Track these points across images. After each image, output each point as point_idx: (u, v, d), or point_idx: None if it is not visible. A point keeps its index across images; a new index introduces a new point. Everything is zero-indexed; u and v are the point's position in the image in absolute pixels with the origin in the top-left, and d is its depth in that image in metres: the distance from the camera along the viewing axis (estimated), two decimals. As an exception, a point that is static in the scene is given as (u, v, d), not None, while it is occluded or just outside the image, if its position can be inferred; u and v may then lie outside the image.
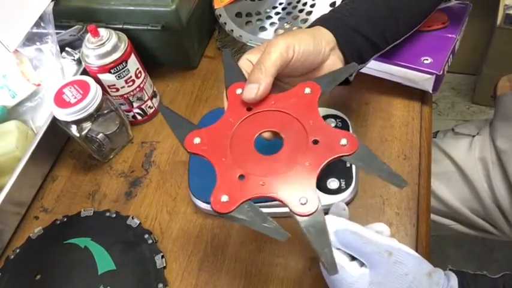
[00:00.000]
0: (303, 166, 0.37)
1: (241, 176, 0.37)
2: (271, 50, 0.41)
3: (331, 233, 0.37)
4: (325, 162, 0.37)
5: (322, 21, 0.48)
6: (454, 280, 0.38)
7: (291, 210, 0.35)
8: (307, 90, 0.40)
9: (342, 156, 0.37)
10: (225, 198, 0.36)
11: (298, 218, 0.35)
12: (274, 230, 0.35)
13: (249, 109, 0.40)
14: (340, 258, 0.38)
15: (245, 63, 0.43)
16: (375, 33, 0.49)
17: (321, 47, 0.44)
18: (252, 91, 0.40)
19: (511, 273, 0.41)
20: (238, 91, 0.41)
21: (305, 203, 0.35)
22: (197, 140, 0.39)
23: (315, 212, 0.35)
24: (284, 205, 0.35)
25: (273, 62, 0.40)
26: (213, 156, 0.38)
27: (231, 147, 0.38)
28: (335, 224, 0.38)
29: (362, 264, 0.38)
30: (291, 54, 0.42)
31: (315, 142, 0.38)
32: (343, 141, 0.37)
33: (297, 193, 0.35)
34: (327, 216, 0.38)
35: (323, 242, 0.34)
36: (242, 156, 0.38)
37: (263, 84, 0.40)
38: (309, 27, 0.48)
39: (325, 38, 0.45)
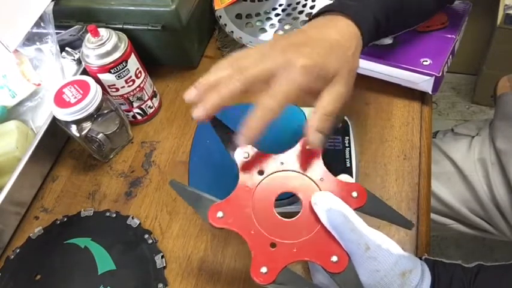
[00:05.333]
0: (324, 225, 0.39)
1: (273, 244, 0.39)
2: (332, 99, 0.40)
3: (325, 209, 0.38)
4: None
5: (344, 8, 0.44)
6: (427, 279, 0.38)
7: (327, 271, 0.38)
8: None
9: (356, 208, 0.39)
10: (264, 269, 0.38)
11: (334, 276, 0.37)
12: None
13: (260, 173, 0.41)
14: None
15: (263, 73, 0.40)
16: (384, 18, 0.47)
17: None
18: (319, 139, 0.40)
19: (484, 263, 0.41)
20: (245, 155, 0.42)
21: (337, 261, 0.37)
22: (220, 214, 0.40)
23: (347, 267, 0.37)
24: (321, 266, 0.38)
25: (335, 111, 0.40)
26: (242, 229, 0.39)
27: (254, 216, 0.40)
28: (331, 203, 0.38)
29: None
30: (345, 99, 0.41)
31: None
32: (354, 194, 0.40)
33: (327, 252, 0.38)
34: (325, 192, 0.39)
35: None
36: (267, 223, 0.40)
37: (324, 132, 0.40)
38: (323, 13, 0.45)
39: (355, 39, 0.42)
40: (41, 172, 0.64)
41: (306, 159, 0.41)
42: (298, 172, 0.41)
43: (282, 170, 0.41)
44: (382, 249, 0.37)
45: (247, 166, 0.42)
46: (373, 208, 0.40)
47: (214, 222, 0.40)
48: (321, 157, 0.41)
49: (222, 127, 0.44)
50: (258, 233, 0.39)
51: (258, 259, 0.38)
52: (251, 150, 0.42)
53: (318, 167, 0.41)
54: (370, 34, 0.45)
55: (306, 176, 0.41)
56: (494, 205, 0.74)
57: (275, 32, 0.67)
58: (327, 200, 0.38)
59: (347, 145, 0.57)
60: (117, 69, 0.59)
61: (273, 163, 0.42)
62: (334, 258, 0.37)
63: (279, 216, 0.40)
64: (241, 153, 0.42)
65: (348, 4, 0.45)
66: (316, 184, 0.40)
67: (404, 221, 0.41)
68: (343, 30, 0.42)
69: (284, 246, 0.39)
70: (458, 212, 0.78)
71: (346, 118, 0.59)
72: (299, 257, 0.38)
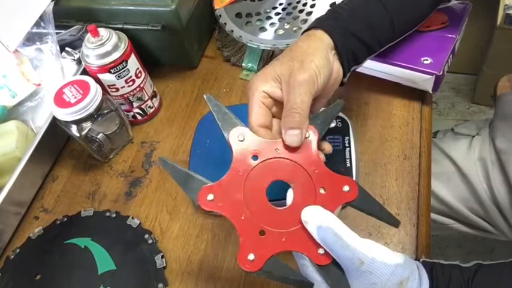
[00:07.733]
0: None
1: (262, 232, 0.38)
2: (301, 91, 0.40)
3: (315, 226, 0.37)
4: (334, 211, 0.39)
5: (320, 23, 0.48)
6: (425, 283, 0.38)
7: (313, 262, 0.37)
8: (306, 134, 0.41)
9: (347, 202, 0.39)
10: (251, 256, 0.37)
11: (320, 268, 0.37)
12: (300, 282, 0.38)
13: (254, 158, 0.41)
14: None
15: (262, 95, 0.42)
16: (370, 36, 0.49)
17: (332, 63, 0.44)
18: (296, 138, 0.40)
19: (482, 262, 0.41)
20: (240, 137, 0.41)
21: (324, 253, 0.37)
22: (210, 197, 0.39)
23: (333, 261, 0.37)
24: (307, 257, 0.38)
25: (307, 103, 0.40)
26: (231, 214, 0.39)
27: (246, 202, 0.39)
28: (320, 219, 0.38)
29: None
30: (316, 88, 0.42)
31: (322, 190, 0.39)
32: (346, 188, 0.39)
33: (315, 244, 0.37)
34: (314, 208, 0.39)
35: None
36: (258, 210, 0.39)
37: (304, 128, 0.40)
38: (306, 30, 0.48)
39: (329, 47, 0.45)
40: (41, 172, 0.64)
41: (301, 149, 0.41)
42: (293, 161, 0.40)
43: (277, 157, 0.41)
44: (376, 261, 0.37)
45: (242, 149, 0.41)
46: (362, 203, 0.39)
47: (204, 205, 0.39)
48: (316, 148, 0.41)
49: (220, 109, 0.42)
50: (248, 219, 0.38)
51: (246, 245, 0.37)
52: (247, 133, 0.41)
53: (313, 158, 0.40)
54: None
55: (300, 165, 0.40)
56: (494, 205, 0.74)
57: (275, 31, 0.67)
58: (317, 217, 0.38)
59: (347, 145, 0.57)
60: (117, 69, 0.59)
61: (268, 149, 0.41)
62: (322, 251, 0.37)
63: (270, 204, 0.39)
64: (236, 136, 0.41)
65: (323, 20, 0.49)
66: (310, 175, 0.40)
67: (392, 219, 0.40)
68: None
69: (273, 235, 0.38)
70: (458, 211, 0.78)
71: (346, 118, 0.59)
72: (288, 246, 0.38)
